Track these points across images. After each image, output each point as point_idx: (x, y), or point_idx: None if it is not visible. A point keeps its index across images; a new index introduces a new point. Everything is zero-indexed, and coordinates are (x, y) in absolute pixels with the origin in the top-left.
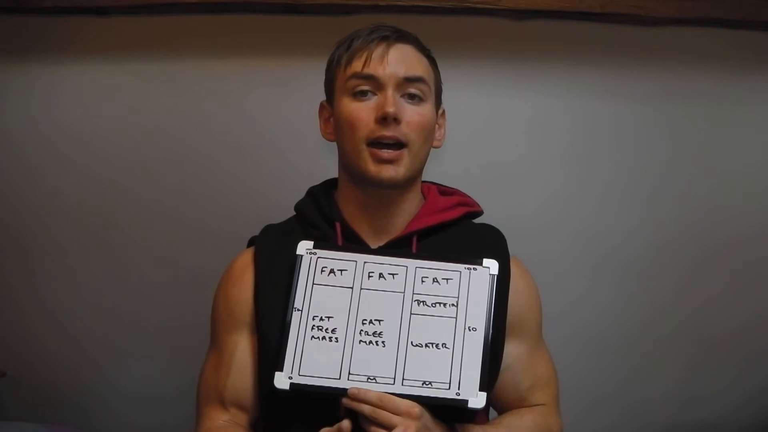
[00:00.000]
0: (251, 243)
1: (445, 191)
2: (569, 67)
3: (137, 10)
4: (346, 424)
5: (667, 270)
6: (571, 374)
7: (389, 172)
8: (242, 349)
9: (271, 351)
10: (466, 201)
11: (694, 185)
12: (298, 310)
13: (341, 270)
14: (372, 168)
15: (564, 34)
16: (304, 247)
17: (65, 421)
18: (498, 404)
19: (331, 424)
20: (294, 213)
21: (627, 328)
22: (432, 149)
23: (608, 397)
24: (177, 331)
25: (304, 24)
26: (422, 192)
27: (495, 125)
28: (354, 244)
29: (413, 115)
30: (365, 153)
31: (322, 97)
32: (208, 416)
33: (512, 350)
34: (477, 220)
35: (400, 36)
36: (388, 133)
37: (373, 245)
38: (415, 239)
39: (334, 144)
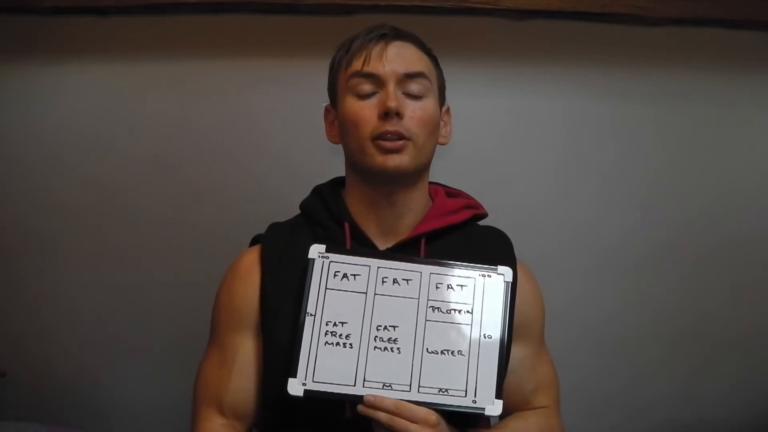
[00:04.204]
0: (254, 241)
1: (450, 192)
2: (569, 67)
3: (137, 10)
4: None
5: (668, 271)
6: (573, 374)
7: (394, 160)
8: (244, 352)
9: (280, 355)
10: (471, 203)
11: (694, 186)
12: (311, 315)
13: (354, 275)
14: (378, 159)
15: (564, 34)
16: (316, 251)
17: (65, 421)
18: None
19: (336, 430)
20: (299, 212)
21: (628, 329)
22: (438, 146)
23: (610, 398)
24: (177, 331)
25: (304, 24)
26: (429, 194)
27: (495, 125)
28: (362, 244)
29: (415, 109)
30: (371, 148)
31: (323, 97)
32: (207, 418)
33: (517, 353)
34: (481, 223)
35: (399, 34)
36: (391, 128)
37: (381, 246)
38: (423, 241)
39: (336, 144)
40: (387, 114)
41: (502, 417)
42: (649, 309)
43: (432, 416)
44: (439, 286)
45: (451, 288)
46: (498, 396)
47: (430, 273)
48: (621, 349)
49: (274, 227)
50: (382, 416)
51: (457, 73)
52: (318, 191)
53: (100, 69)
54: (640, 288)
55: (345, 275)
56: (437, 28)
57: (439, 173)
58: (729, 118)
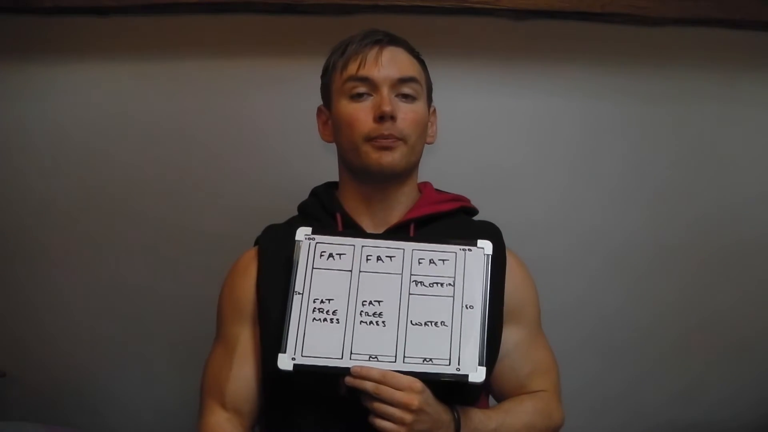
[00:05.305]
0: (257, 243)
1: (440, 191)
2: (569, 67)
3: (137, 10)
4: None
5: (675, 273)
6: (578, 375)
7: (387, 158)
8: (244, 340)
9: (273, 335)
10: (460, 198)
11: (696, 186)
12: (299, 293)
13: (340, 254)
14: (373, 156)
15: (564, 34)
16: (302, 233)
17: (65, 421)
18: (498, 392)
19: (332, 405)
20: (296, 213)
21: (634, 330)
22: (426, 145)
23: (616, 399)
24: (176, 333)
25: (303, 24)
26: (419, 189)
27: (495, 125)
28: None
29: (407, 112)
30: (366, 147)
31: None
32: (213, 411)
33: (511, 336)
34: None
35: (392, 40)
36: (386, 131)
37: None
38: (412, 227)
39: (333, 144)
40: (382, 117)
41: (498, 402)
42: (655, 310)
43: (417, 384)
44: (421, 261)
45: (433, 263)
46: (481, 363)
47: (413, 249)
48: (627, 350)
49: (270, 228)
50: (369, 386)
51: (457, 73)
52: (314, 192)
53: (100, 69)
54: (646, 289)
55: (331, 255)
56: (437, 28)
57: (440, 174)
58: (730, 119)
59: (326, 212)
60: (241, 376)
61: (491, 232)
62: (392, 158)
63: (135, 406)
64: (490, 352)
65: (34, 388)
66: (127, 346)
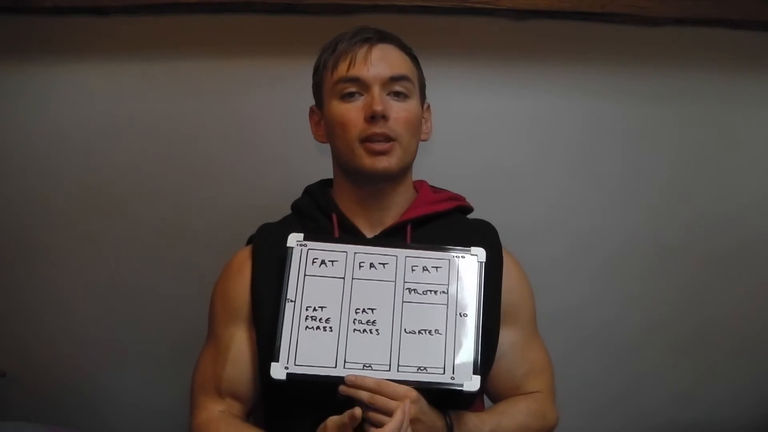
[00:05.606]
0: (250, 242)
1: (436, 190)
2: (569, 67)
3: (137, 10)
4: (357, 411)
5: (675, 274)
6: (579, 376)
7: (383, 162)
8: (238, 341)
9: (268, 337)
10: (456, 197)
11: (696, 186)
12: (291, 301)
13: (332, 261)
14: (367, 161)
15: (564, 34)
16: (294, 239)
17: (65, 421)
18: (493, 392)
19: (329, 410)
20: (290, 213)
21: (635, 331)
22: (421, 143)
23: (616, 400)
24: (175, 333)
25: (304, 24)
26: (414, 187)
27: (495, 125)
28: (350, 233)
29: (400, 111)
30: (359, 149)
31: None
32: (204, 407)
33: (507, 337)
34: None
35: (382, 37)
36: (378, 130)
37: (369, 235)
38: (409, 228)
39: (323, 143)
40: (373, 117)
41: (494, 402)
42: (655, 311)
43: (412, 393)
44: (414, 268)
45: (427, 270)
46: (476, 372)
47: (406, 256)
48: (627, 350)
49: (264, 227)
50: (363, 395)
51: (457, 73)
52: (308, 191)
53: (100, 69)
54: (646, 290)
55: (323, 261)
56: (437, 27)
57: (440, 175)
58: (730, 119)
59: (321, 212)
60: (235, 377)
61: (488, 231)
62: (388, 163)
63: (135, 406)
64: (485, 359)
65: (34, 388)
66: (127, 347)
